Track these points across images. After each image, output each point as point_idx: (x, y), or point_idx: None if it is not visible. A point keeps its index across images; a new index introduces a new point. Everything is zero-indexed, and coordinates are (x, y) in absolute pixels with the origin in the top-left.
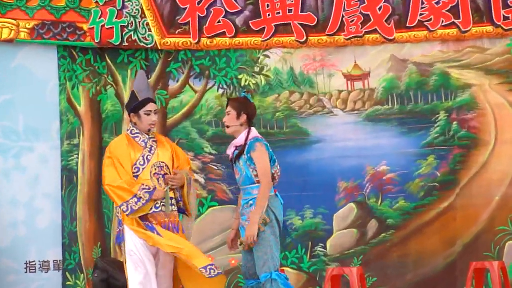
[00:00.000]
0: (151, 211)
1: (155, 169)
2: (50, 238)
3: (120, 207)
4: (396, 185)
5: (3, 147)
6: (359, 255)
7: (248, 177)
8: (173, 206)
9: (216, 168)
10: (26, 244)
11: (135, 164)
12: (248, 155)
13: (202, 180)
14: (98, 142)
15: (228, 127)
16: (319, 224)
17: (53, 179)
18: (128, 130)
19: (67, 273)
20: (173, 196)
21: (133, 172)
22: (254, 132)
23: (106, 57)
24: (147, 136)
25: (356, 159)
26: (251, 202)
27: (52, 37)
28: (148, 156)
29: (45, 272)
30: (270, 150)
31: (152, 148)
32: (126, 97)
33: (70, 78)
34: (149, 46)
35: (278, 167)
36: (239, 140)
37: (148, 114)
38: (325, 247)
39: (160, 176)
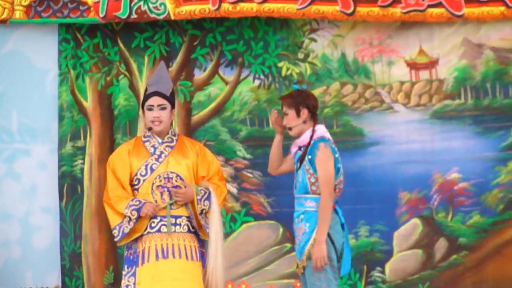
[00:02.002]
0: (146, 232)
1: (160, 180)
2: (51, 261)
3: (112, 232)
4: (470, 196)
5: None
6: (425, 281)
7: (303, 185)
8: (179, 227)
9: (251, 176)
10: (21, 268)
11: (136, 174)
12: (309, 157)
13: (234, 191)
14: (109, 145)
15: (290, 129)
16: (376, 244)
17: (54, 189)
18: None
19: None
20: (184, 215)
21: (134, 185)
22: (320, 130)
23: (119, 41)
24: (159, 140)
25: (422, 166)
26: (302, 216)
27: (51, 15)
28: (153, 165)
29: None
30: (337, 155)
31: (162, 156)
32: (142, 89)
33: (74, 67)
34: (161, 17)
35: (342, 178)
36: (303, 139)
37: (150, 109)
38: (383, 272)
39: (165, 189)
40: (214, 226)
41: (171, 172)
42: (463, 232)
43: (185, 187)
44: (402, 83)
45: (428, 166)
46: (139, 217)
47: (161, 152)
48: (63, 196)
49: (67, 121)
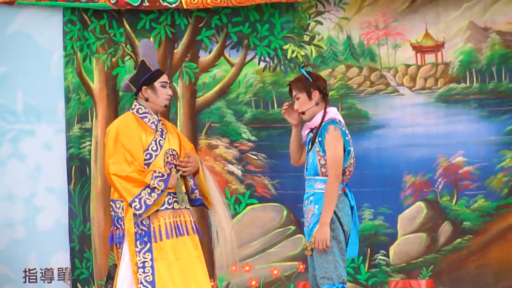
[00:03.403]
0: (164, 207)
1: (168, 157)
2: (55, 241)
3: (131, 205)
4: (475, 180)
5: None
6: (429, 265)
7: (313, 167)
8: (185, 203)
9: (256, 158)
10: (25, 248)
11: (147, 149)
12: (319, 139)
13: (239, 173)
14: None
15: (303, 113)
16: (380, 227)
17: (59, 170)
18: (133, 109)
19: (78, 284)
20: (185, 191)
21: (145, 160)
22: (332, 112)
23: (125, 22)
24: (156, 117)
25: (427, 149)
26: (311, 198)
27: None
28: (161, 142)
29: (48, 282)
30: (348, 138)
31: (163, 133)
32: None
33: (81, 48)
34: (173, 5)
35: (352, 161)
36: (315, 121)
37: (165, 86)
38: (387, 255)
39: (173, 166)
40: (215, 195)
41: (173, 149)
42: (467, 216)
43: (188, 157)
44: (407, 66)
45: (433, 150)
46: (165, 189)
47: (162, 130)
48: (72, 178)
49: (74, 103)
